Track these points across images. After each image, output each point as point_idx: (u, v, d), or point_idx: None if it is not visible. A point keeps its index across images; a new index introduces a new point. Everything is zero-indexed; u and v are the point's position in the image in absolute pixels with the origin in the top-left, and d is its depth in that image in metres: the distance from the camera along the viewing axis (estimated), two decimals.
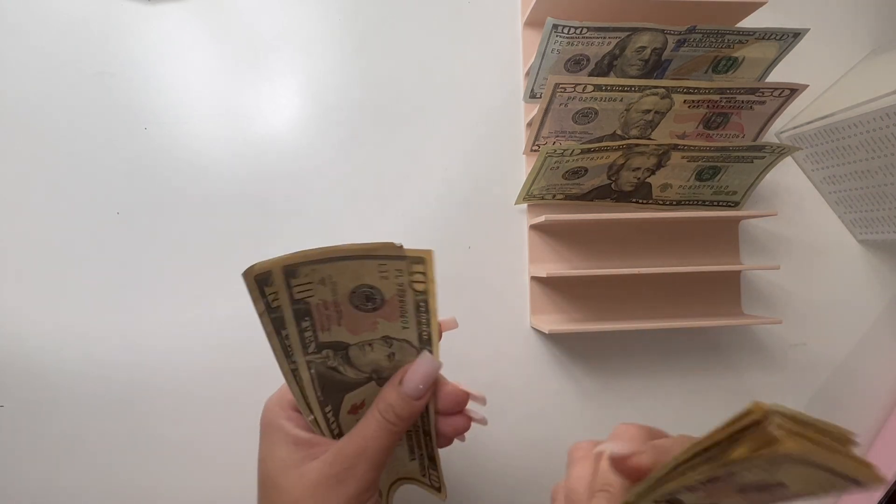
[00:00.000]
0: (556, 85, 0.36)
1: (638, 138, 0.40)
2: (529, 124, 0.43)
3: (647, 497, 0.22)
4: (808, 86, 0.38)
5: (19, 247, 0.40)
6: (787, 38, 0.38)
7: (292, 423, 0.28)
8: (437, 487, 0.32)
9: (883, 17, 0.48)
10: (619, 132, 0.40)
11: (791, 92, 0.38)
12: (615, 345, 0.45)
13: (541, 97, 0.38)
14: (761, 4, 0.40)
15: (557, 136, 0.41)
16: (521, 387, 0.43)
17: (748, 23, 0.42)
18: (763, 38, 0.38)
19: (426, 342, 0.27)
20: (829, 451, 0.17)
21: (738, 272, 0.45)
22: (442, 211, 0.43)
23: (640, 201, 0.43)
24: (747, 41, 0.38)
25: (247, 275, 0.22)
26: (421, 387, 0.27)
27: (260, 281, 0.23)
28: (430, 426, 0.29)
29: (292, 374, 0.26)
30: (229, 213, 0.42)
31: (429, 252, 0.24)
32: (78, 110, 0.41)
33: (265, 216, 0.42)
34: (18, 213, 0.40)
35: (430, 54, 0.44)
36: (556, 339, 0.44)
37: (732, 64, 0.40)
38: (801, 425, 0.17)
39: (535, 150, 0.42)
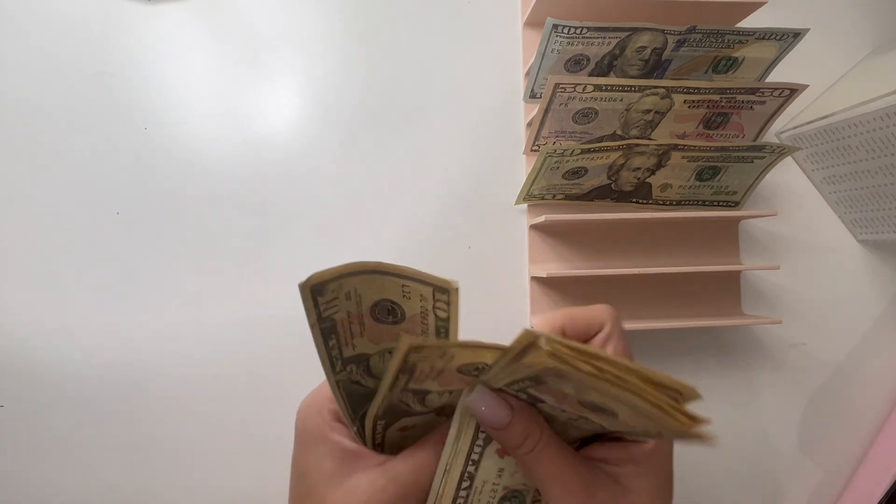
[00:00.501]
0: (556, 85, 0.36)
1: (638, 138, 0.40)
2: (529, 124, 0.43)
3: (499, 382, 0.23)
4: (808, 86, 0.38)
5: (19, 247, 0.40)
6: (787, 38, 0.38)
7: (338, 433, 0.26)
8: None
9: (883, 17, 0.48)
10: (619, 132, 0.40)
11: (791, 92, 0.38)
12: None
13: (541, 97, 0.38)
14: (761, 4, 0.40)
15: (557, 136, 0.41)
16: None
17: (748, 23, 0.42)
18: (763, 38, 0.38)
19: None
20: (633, 394, 0.19)
21: (738, 272, 0.45)
22: (442, 211, 0.43)
23: (640, 201, 0.43)
24: (747, 41, 0.38)
25: (303, 287, 0.22)
26: (500, 416, 0.24)
27: (315, 291, 0.22)
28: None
29: (338, 385, 0.25)
30: (229, 213, 0.42)
31: (452, 287, 0.23)
32: (78, 110, 0.41)
33: (265, 216, 0.42)
34: (18, 213, 0.40)
35: (430, 54, 0.44)
36: None
37: (732, 64, 0.40)
38: (582, 354, 0.19)
39: (535, 150, 0.42)
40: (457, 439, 0.25)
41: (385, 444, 0.28)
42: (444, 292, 0.23)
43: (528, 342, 0.19)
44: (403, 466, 0.25)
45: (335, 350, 0.24)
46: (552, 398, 0.23)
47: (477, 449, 0.26)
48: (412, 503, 0.25)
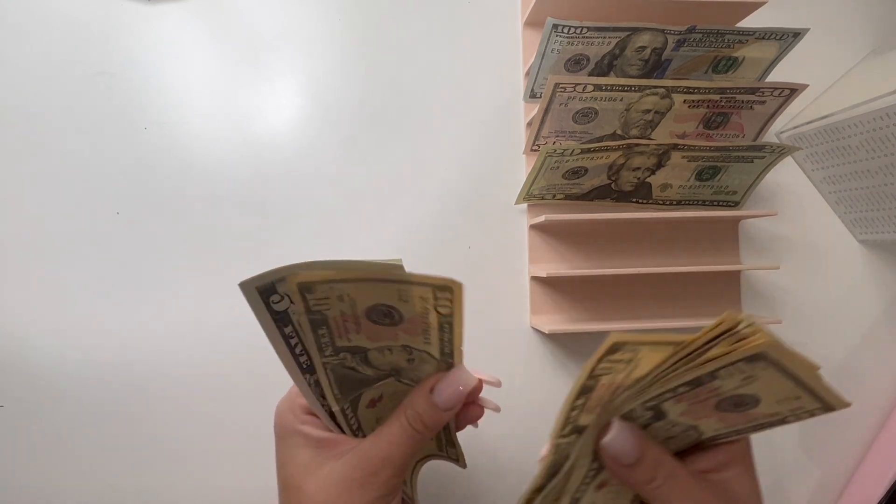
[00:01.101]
0: (556, 85, 0.36)
1: (638, 138, 0.40)
2: (529, 124, 0.43)
3: (634, 402, 0.22)
4: (808, 86, 0.38)
5: (19, 247, 0.40)
6: (787, 38, 0.38)
7: (309, 425, 0.27)
8: (456, 459, 0.32)
9: (883, 17, 0.48)
10: (619, 132, 0.40)
11: (791, 92, 0.38)
12: None
13: (541, 97, 0.38)
14: (761, 4, 0.40)
15: (557, 136, 0.41)
16: (521, 387, 0.43)
17: (748, 23, 0.42)
18: (763, 38, 0.38)
19: (448, 356, 0.27)
20: (800, 364, 0.20)
21: (738, 272, 0.45)
22: (442, 211, 0.43)
23: (640, 201, 0.43)
24: (747, 41, 0.38)
25: (246, 286, 0.22)
26: (454, 399, 0.26)
27: (267, 290, 0.23)
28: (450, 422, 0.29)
29: (304, 376, 0.26)
30: (229, 213, 0.42)
31: (457, 284, 0.23)
32: (78, 110, 0.41)
33: (265, 216, 0.42)
34: (18, 213, 0.40)
35: (431, 54, 0.44)
36: (556, 340, 0.44)
37: (732, 64, 0.40)
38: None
39: (535, 150, 0.42)
40: (566, 477, 0.24)
41: (362, 427, 0.29)
42: (445, 290, 0.23)
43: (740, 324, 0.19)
44: (371, 445, 0.26)
45: (326, 338, 0.25)
46: (683, 405, 0.22)
47: (583, 488, 0.25)
48: (385, 479, 0.26)
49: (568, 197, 0.42)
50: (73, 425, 0.40)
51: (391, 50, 0.44)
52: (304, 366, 0.26)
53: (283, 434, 0.28)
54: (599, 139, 0.40)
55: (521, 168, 0.44)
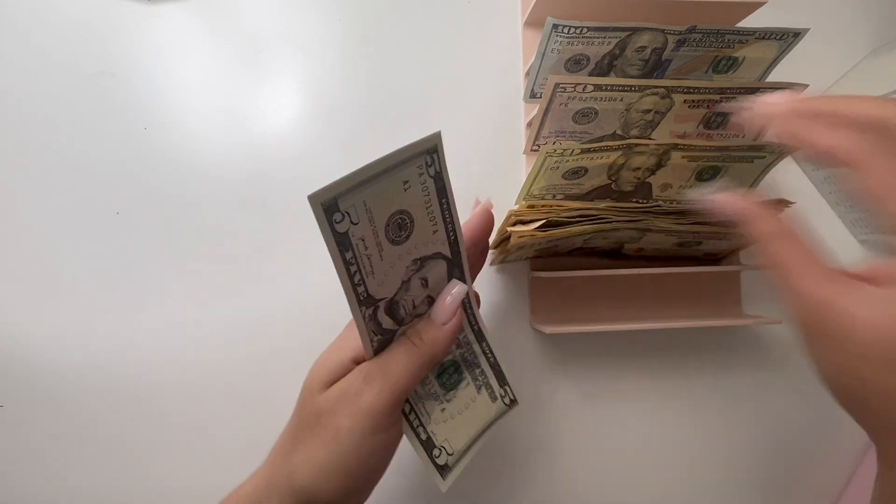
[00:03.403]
0: (556, 85, 0.36)
1: (638, 138, 0.40)
2: (529, 124, 0.43)
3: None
4: (808, 86, 0.38)
5: (19, 246, 0.40)
6: (787, 38, 0.38)
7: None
8: (514, 399, 0.32)
9: (883, 17, 0.48)
10: (619, 132, 0.40)
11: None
12: (615, 345, 0.45)
13: (541, 97, 0.38)
14: (761, 4, 0.40)
15: (557, 136, 0.41)
16: (521, 387, 0.43)
17: (748, 23, 0.42)
18: (763, 38, 0.37)
19: (454, 243, 0.27)
20: None
21: (738, 272, 0.45)
22: None
23: (641, 201, 0.43)
24: (747, 41, 0.38)
25: (313, 200, 0.22)
26: (447, 310, 0.27)
27: (330, 207, 0.22)
28: (481, 325, 0.29)
29: (359, 308, 0.25)
30: (229, 213, 0.42)
31: (436, 136, 0.25)
32: (78, 110, 0.41)
33: (265, 216, 0.42)
34: (18, 213, 0.40)
35: (431, 54, 0.44)
36: (556, 339, 0.44)
37: (732, 64, 0.40)
38: None
39: (535, 150, 0.41)
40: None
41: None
42: (432, 152, 0.24)
43: None
44: (372, 361, 0.27)
45: (357, 276, 0.25)
46: None
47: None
48: (379, 388, 0.26)
49: (568, 197, 0.42)
50: (73, 425, 0.40)
51: (391, 50, 0.44)
52: (361, 297, 0.25)
53: (307, 386, 0.29)
54: (599, 139, 0.40)
55: (521, 168, 0.44)
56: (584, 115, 0.39)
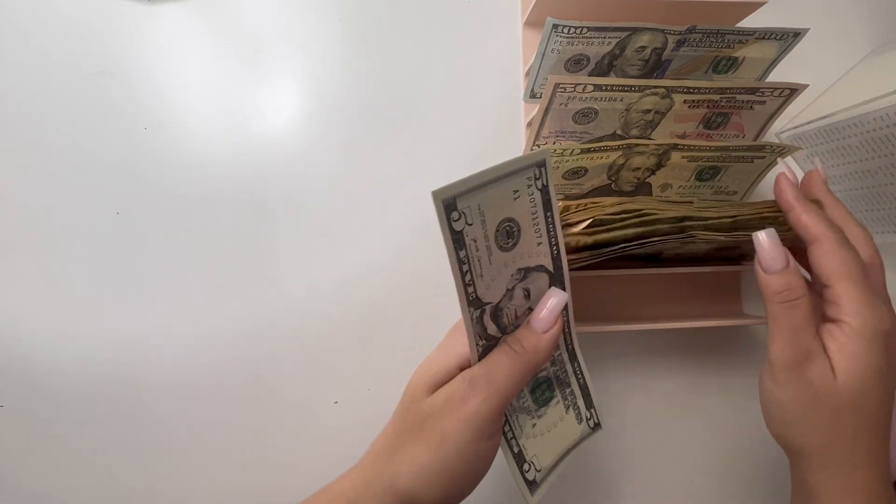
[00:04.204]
0: (556, 85, 0.36)
1: (638, 138, 0.40)
2: (529, 124, 0.43)
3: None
4: (808, 86, 0.38)
5: (19, 247, 0.40)
6: (787, 38, 0.38)
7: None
8: (599, 423, 0.33)
9: (883, 17, 0.48)
10: (619, 132, 0.40)
11: (791, 92, 0.38)
12: (615, 345, 0.45)
13: (541, 97, 0.38)
14: (761, 4, 0.40)
15: (557, 136, 0.41)
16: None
17: (748, 23, 0.42)
18: (763, 38, 0.38)
19: (556, 258, 0.27)
20: None
21: (738, 272, 0.45)
22: None
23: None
24: (747, 41, 0.38)
25: (436, 197, 0.23)
26: (547, 318, 0.27)
27: (449, 206, 0.23)
28: (575, 346, 0.30)
29: (468, 309, 0.26)
30: (229, 213, 0.42)
31: (546, 152, 0.25)
32: (78, 110, 0.41)
33: (265, 216, 0.42)
34: (17, 213, 0.40)
35: (430, 54, 0.44)
36: None
37: (732, 64, 0.40)
38: None
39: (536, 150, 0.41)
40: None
41: None
42: (540, 165, 0.25)
43: None
44: (476, 367, 0.27)
45: (469, 277, 0.25)
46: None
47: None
48: (484, 395, 0.26)
49: (568, 197, 0.42)
50: (73, 425, 0.40)
51: (391, 50, 0.44)
52: (471, 297, 0.25)
53: (410, 389, 0.29)
54: (599, 139, 0.40)
55: None
56: (584, 115, 0.39)
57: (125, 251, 0.41)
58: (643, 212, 0.35)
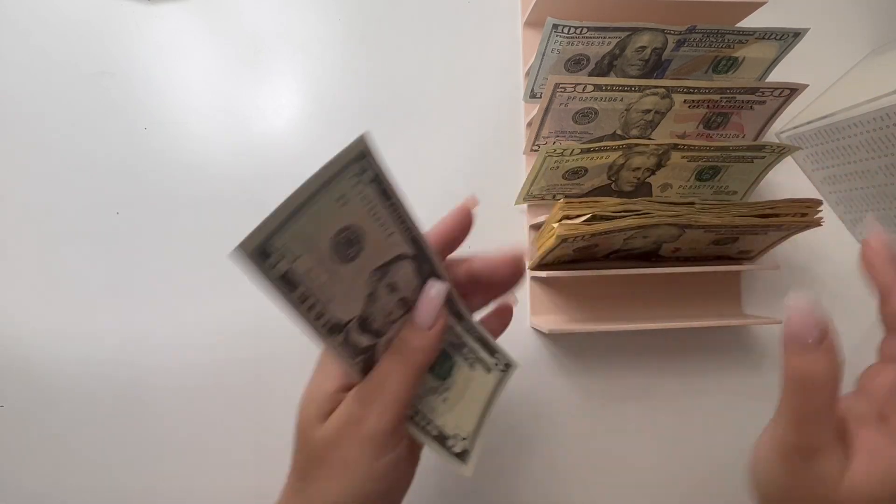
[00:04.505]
0: (556, 85, 0.36)
1: (638, 138, 0.40)
2: (529, 124, 0.43)
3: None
4: (808, 86, 0.38)
5: (19, 247, 0.40)
6: (787, 38, 0.38)
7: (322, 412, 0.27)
8: (510, 363, 0.31)
9: (883, 17, 0.48)
10: (619, 132, 0.40)
11: (791, 92, 0.38)
12: (615, 345, 0.45)
13: (541, 97, 0.38)
14: (761, 4, 0.40)
15: (557, 136, 0.41)
16: (521, 387, 0.43)
17: (748, 23, 0.42)
18: (763, 38, 0.38)
19: (415, 239, 0.25)
20: None
21: (739, 272, 0.45)
22: (442, 211, 0.43)
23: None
24: (747, 41, 0.38)
25: (237, 256, 0.21)
26: (430, 312, 0.26)
27: (260, 254, 0.22)
28: (459, 307, 0.28)
29: (330, 339, 0.24)
30: (229, 213, 0.42)
31: (361, 141, 0.23)
32: (78, 110, 0.41)
33: (265, 216, 0.42)
34: (18, 213, 0.40)
35: (430, 54, 0.44)
36: (556, 339, 0.44)
37: (732, 64, 0.40)
38: None
39: (535, 150, 0.41)
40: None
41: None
42: (360, 158, 0.22)
43: None
44: (366, 381, 0.26)
45: (316, 308, 0.24)
46: None
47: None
48: (380, 409, 0.25)
49: (568, 197, 0.42)
50: (73, 425, 0.40)
51: (391, 50, 0.44)
52: (328, 328, 0.24)
53: (301, 425, 0.27)
54: (599, 139, 0.40)
55: (521, 168, 0.44)
56: (584, 115, 0.39)
57: (125, 251, 0.41)
58: (643, 212, 0.36)
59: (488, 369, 0.31)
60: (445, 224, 0.29)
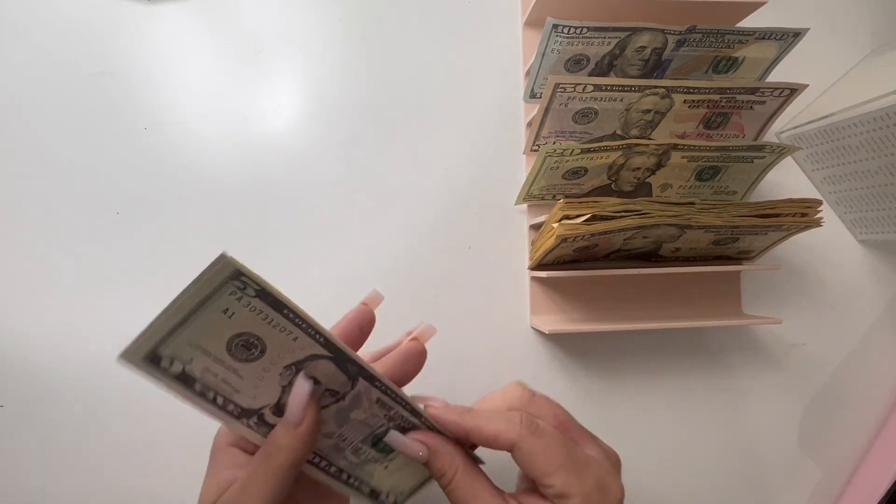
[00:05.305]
0: (556, 85, 0.36)
1: (638, 138, 0.40)
2: (529, 124, 0.43)
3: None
4: (808, 86, 0.38)
5: (19, 246, 0.40)
6: (787, 38, 0.38)
7: (230, 455, 0.28)
8: None
9: (883, 17, 0.48)
10: (619, 132, 0.40)
11: (791, 92, 0.38)
12: (615, 345, 0.45)
13: (541, 97, 0.38)
14: (761, 4, 0.40)
15: (557, 136, 0.41)
16: None
17: (748, 23, 0.42)
18: (763, 38, 0.38)
19: (327, 343, 0.25)
20: None
21: (738, 272, 0.45)
22: (442, 211, 0.43)
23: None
24: (747, 41, 0.38)
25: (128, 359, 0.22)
26: (296, 410, 0.25)
27: (153, 359, 0.23)
28: (385, 382, 0.28)
29: (240, 421, 0.25)
30: (229, 213, 0.42)
31: (224, 259, 0.23)
32: (78, 110, 0.41)
33: (265, 216, 0.42)
34: (18, 213, 0.40)
35: (430, 54, 0.44)
36: (556, 339, 0.44)
37: (732, 64, 0.40)
38: None
39: (535, 150, 0.41)
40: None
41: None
42: (236, 277, 0.23)
43: None
44: (237, 486, 0.26)
45: (221, 399, 0.24)
46: None
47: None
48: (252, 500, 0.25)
49: (568, 197, 0.42)
50: (73, 425, 0.40)
51: (391, 50, 0.44)
52: (236, 413, 0.25)
53: (214, 452, 0.29)
54: (599, 139, 0.40)
55: (521, 168, 0.44)
56: (584, 115, 0.39)
57: (125, 251, 0.41)
58: (643, 212, 0.36)
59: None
60: (343, 326, 0.30)
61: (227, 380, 0.24)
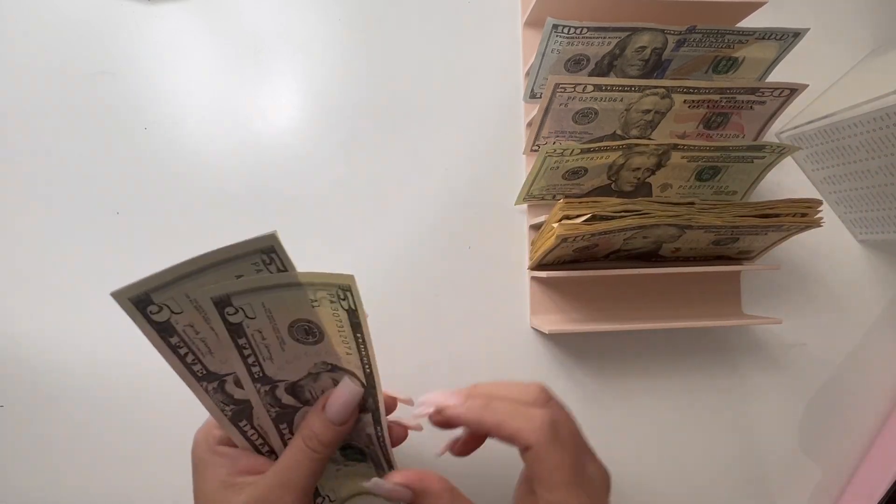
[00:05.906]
0: (556, 85, 0.36)
1: (638, 138, 0.40)
2: (529, 124, 0.43)
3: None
4: (808, 86, 0.38)
5: (19, 246, 0.40)
6: (787, 38, 0.38)
7: (220, 456, 0.29)
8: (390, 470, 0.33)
9: (883, 17, 0.48)
10: (619, 132, 0.40)
11: (791, 92, 0.38)
12: (615, 345, 0.45)
13: (541, 97, 0.38)
14: (761, 4, 0.40)
15: (557, 136, 0.41)
16: None
17: (748, 23, 0.42)
18: (763, 38, 0.38)
19: (369, 376, 0.27)
20: None
21: (738, 272, 0.45)
22: (442, 211, 0.43)
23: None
24: (747, 41, 0.38)
25: (119, 297, 0.23)
26: (343, 412, 0.27)
27: (142, 301, 0.24)
28: (384, 433, 0.29)
29: (200, 384, 0.27)
30: (229, 214, 0.42)
31: (350, 277, 0.24)
32: (78, 110, 0.41)
33: (265, 216, 0.42)
34: (18, 213, 0.40)
35: (430, 54, 0.44)
36: (556, 339, 0.44)
37: (732, 64, 0.40)
38: None
39: (535, 150, 0.41)
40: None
41: (272, 448, 0.30)
42: (346, 289, 0.24)
43: None
44: (272, 475, 0.27)
45: (252, 358, 0.26)
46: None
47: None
48: (293, 492, 0.26)
49: (568, 197, 0.42)
50: (72, 425, 0.40)
51: (391, 50, 0.44)
52: (199, 374, 0.27)
53: (197, 463, 0.29)
54: (599, 139, 0.40)
55: (521, 168, 0.44)
56: (584, 116, 0.39)
57: (125, 251, 0.41)
58: (643, 212, 0.36)
59: (376, 473, 0.33)
60: (389, 394, 0.31)
61: (269, 346, 0.26)
